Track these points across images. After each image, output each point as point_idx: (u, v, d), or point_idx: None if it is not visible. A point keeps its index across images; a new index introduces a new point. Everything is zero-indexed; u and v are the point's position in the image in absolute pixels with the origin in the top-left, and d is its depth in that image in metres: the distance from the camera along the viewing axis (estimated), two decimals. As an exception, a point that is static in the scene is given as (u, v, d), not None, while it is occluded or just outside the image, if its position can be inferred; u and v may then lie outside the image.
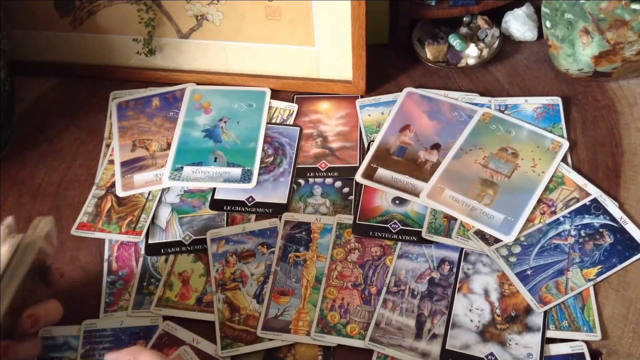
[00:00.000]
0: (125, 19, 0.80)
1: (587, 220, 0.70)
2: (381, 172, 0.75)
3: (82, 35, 0.83)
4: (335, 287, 0.68)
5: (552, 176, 0.73)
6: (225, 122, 0.80)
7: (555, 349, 0.63)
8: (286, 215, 0.73)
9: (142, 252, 0.71)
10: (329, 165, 0.77)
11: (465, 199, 0.71)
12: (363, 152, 0.77)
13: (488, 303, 0.66)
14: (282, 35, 0.79)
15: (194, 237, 0.72)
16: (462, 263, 0.68)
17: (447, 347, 0.64)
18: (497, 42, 0.85)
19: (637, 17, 0.70)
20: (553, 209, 0.71)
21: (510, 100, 0.80)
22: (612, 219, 0.69)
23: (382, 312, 0.66)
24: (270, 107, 0.81)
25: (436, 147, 0.76)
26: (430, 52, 0.84)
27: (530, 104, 0.79)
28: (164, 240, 0.72)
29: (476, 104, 0.79)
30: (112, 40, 0.83)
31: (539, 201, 0.71)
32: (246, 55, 0.82)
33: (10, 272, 0.52)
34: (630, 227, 0.69)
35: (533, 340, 0.63)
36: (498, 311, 0.65)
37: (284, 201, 0.74)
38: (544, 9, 0.79)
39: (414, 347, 0.64)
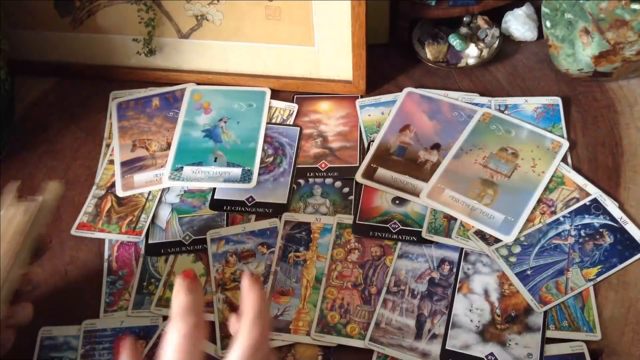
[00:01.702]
0: (125, 19, 0.80)
1: (587, 220, 0.70)
2: (381, 172, 0.75)
3: (82, 35, 0.83)
4: (335, 287, 0.68)
5: (552, 176, 0.73)
6: (225, 122, 0.80)
7: (555, 349, 0.63)
8: (286, 215, 0.73)
9: (142, 252, 0.71)
10: (329, 165, 0.77)
11: (465, 199, 0.71)
12: (363, 152, 0.77)
13: (488, 303, 0.66)
14: (282, 35, 0.79)
15: (194, 237, 0.72)
16: (462, 263, 0.68)
17: (447, 347, 0.64)
18: (497, 42, 0.85)
19: (637, 17, 0.70)
20: (553, 209, 0.71)
21: (510, 100, 0.80)
22: (612, 219, 0.69)
23: (382, 312, 0.66)
24: (270, 107, 0.81)
25: (436, 147, 0.76)
26: (430, 52, 0.84)
27: (530, 104, 0.79)
28: (164, 240, 0.72)
29: (476, 104, 0.79)
30: (112, 40, 0.83)
31: (539, 201, 0.71)
32: (246, 55, 0.82)
33: (28, 235, 0.54)
34: (630, 227, 0.69)
35: (533, 340, 0.63)
36: (498, 311, 0.65)
37: (284, 201, 0.74)
38: (544, 9, 0.79)
39: (414, 347, 0.64)
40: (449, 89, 0.82)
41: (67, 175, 0.78)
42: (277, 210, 0.73)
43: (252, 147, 0.78)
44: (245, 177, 0.75)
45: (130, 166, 0.77)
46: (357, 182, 0.75)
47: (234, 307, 0.67)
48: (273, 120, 0.81)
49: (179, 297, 0.48)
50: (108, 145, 0.80)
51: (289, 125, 0.80)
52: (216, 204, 0.74)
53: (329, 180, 0.76)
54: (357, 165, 0.76)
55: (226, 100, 0.82)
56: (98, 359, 0.65)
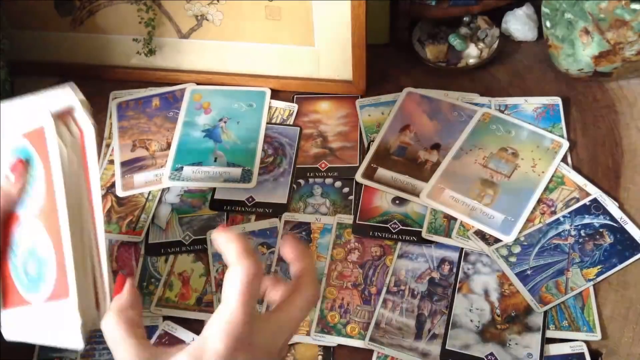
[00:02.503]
0: (125, 19, 0.80)
1: (587, 220, 0.70)
2: (381, 172, 0.75)
3: (82, 35, 0.83)
4: (335, 287, 0.68)
5: (552, 176, 0.73)
6: (225, 122, 0.80)
7: (555, 349, 0.63)
8: (286, 215, 0.73)
9: (142, 252, 0.71)
10: (329, 165, 0.77)
11: (465, 199, 0.71)
12: (363, 152, 0.77)
13: (488, 303, 0.66)
14: (282, 35, 0.79)
15: (194, 237, 0.72)
16: (462, 263, 0.68)
17: (447, 347, 0.64)
18: (497, 42, 0.85)
19: (637, 17, 0.70)
20: (553, 209, 0.71)
21: (510, 100, 0.80)
22: (612, 219, 0.69)
23: (382, 312, 0.66)
24: (270, 107, 0.81)
25: (436, 147, 0.76)
26: (430, 52, 0.84)
27: (530, 104, 0.79)
28: (164, 240, 0.72)
29: (476, 104, 0.79)
30: (112, 40, 0.83)
31: (539, 201, 0.71)
32: (246, 55, 0.82)
33: None
34: (630, 227, 0.69)
35: (533, 340, 0.63)
36: (498, 311, 0.65)
37: (284, 201, 0.74)
38: (544, 9, 0.79)
39: (414, 347, 0.64)
40: (449, 89, 0.81)
41: (67, 175, 0.78)
42: (277, 210, 0.73)
43: (252, 147, 0.78)
44: (245, 177, 0.75)
45: (130, 166, 0.77)
46: (357, 182, 0.75)
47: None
48: (273, 120, 0.81)
49: (235, 242, 0.44)
50: (108, 145, 0.80)
51: (289, 125, 0.80)
52: (216, 204, 0.74)
53: (329, 180, 0.76)
54: (357, 165, 0.76)
55: (226, 100, 0.82)
56: (98, 359, 0.65)
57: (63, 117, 0.56)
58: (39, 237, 0.54)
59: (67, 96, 0.57)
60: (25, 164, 0.55)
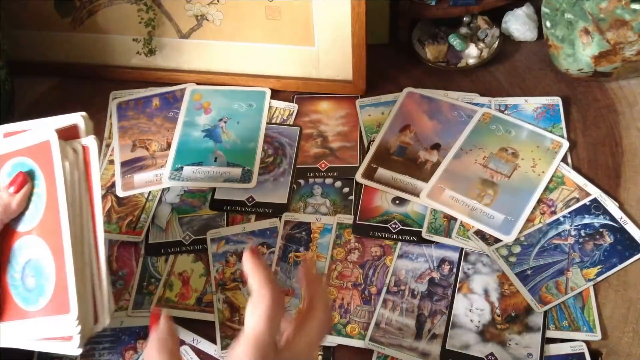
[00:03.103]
0: (125, 19, 0.80)
1: (587, 220, 0.70)
2: (381, 172, 0.75)
3: (82, 35, 0.83)
4: (335, 287, 0.68)
5: (552, 176, 0.73)
6: (225, 122, 0.80)
7: (555, 349, 0.63)
8: (286, 215, 0.73)
9: (142, 252, 0.71)
10: (329, 165, 0.77)
11: (465, 199, 0.71)
12: (363, 152, 0.77)
13: (488, 303, 0.66)
14: (282, 35, 0.79)
15: (194, 237, 0.72)
16: (462, 263, 0.68)
17: (447, 347, 0.64)
18: (497, 42, 0.85)
19: (637, 17, 0.70)
20: (553, 209, 0.71)
21: (510, 100, 0.80)
22: (612, 219, 0.69)
23: (382, 312, 0.66)
24: (270, 107, 0.81)
25: (436, 147, 0.76)
26: (430, 52, 0.84)
27: (530, 104, 0.79)
28: (164, 240, 0.72)
29: (476, 104, 0.79)
30: (112, 40, 0.83)
31: (539, 201, 0.71)
32: (246, 55, 0.82)
33: None
34: (630, 227, 0.69)
35: (533, 340, 0.63)
36: (498, 311, 0.65)
37: (284, 201, 0.74)
38: (544, 9, 0.79)
39: (414, 347, 0.64)
40: (449, 89, 0.81)
41: (67, 175, 0.78)
42: (277, 210, 0.73)
43: (252, 147, 0.78)
44: (245, 177, 0.75)
45: (130, 166, 0.77)
46: (357, 182, 0.75)
47: (234, 307, 0.67)
48: (273, 120, 0.81)
49: (261, 269, 0.48)
50: (108, 145, 0.80)
51: (289, 125, 0.80)
52: (216, 204, 0.74)
53: (329, 180, 0.76)
54: (357, 165, 0.76)
55: (226, 100, 0.82)
56: (98, 359, 0.65)
57: (66, 135, 0.57)
58: (38, 250, 0.54)
59: (70, 116, 0.58)
60: (26, 177, 0.56)
